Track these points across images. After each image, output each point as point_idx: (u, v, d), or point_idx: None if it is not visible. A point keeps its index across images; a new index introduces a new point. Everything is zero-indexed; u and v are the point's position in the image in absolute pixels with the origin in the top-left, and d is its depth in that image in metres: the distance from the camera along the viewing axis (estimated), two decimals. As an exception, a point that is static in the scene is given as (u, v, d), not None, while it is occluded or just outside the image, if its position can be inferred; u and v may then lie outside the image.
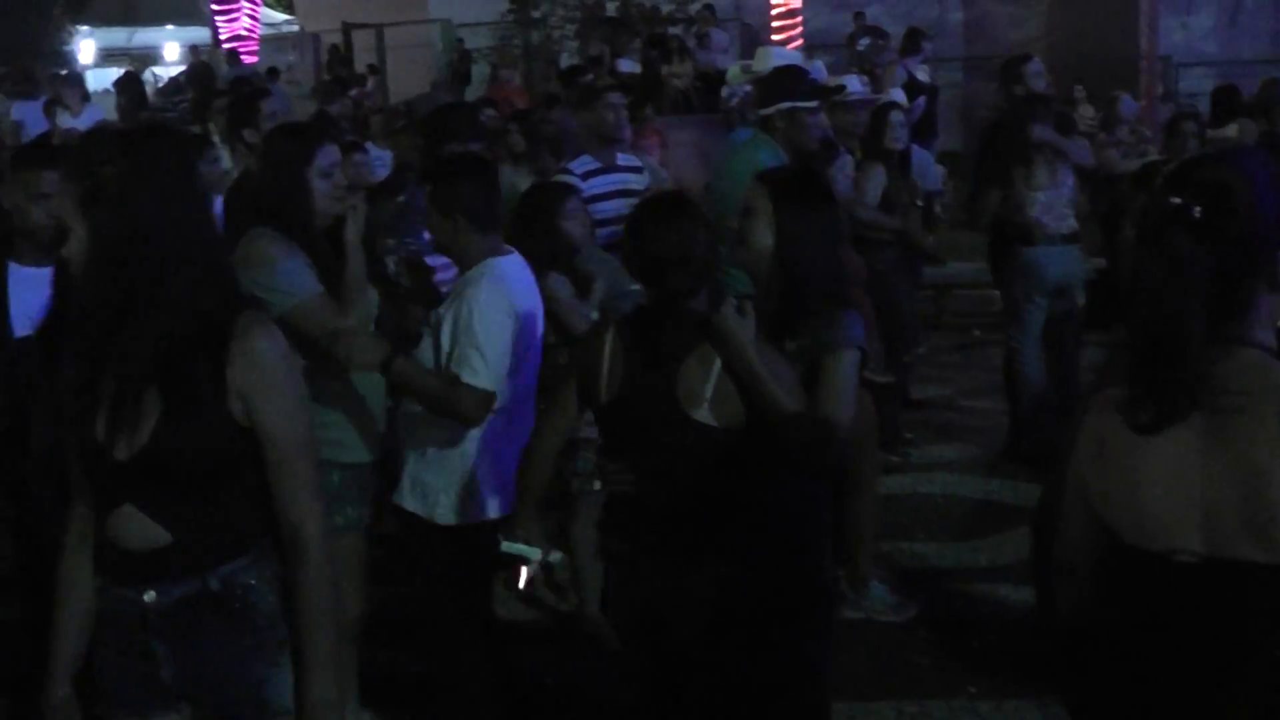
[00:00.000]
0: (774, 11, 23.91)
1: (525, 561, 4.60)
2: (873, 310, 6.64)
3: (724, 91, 20.09)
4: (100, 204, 3.15)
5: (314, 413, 4.51)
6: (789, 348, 4.07)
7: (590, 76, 14.59)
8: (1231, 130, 11.34)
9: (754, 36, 25.02)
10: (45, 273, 4.92)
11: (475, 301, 4.68)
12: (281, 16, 37.07)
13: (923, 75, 14.29)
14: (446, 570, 4.93)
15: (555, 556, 6.41)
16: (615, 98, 7.92)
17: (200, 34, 32.74)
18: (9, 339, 4.94)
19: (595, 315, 5.81)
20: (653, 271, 4.01)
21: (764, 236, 4.18)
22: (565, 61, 23.28)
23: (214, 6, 25.19)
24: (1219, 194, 2.65)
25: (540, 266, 5.57)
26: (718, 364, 3.84)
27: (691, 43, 22.57)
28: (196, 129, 16.74)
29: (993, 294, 12.33)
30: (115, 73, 31.77)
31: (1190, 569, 2.67)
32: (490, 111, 11.06)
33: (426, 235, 5.34)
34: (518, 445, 4.62)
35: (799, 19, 23.81)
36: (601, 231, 6.62)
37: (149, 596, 3.11)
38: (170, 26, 41.77)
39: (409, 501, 4.88)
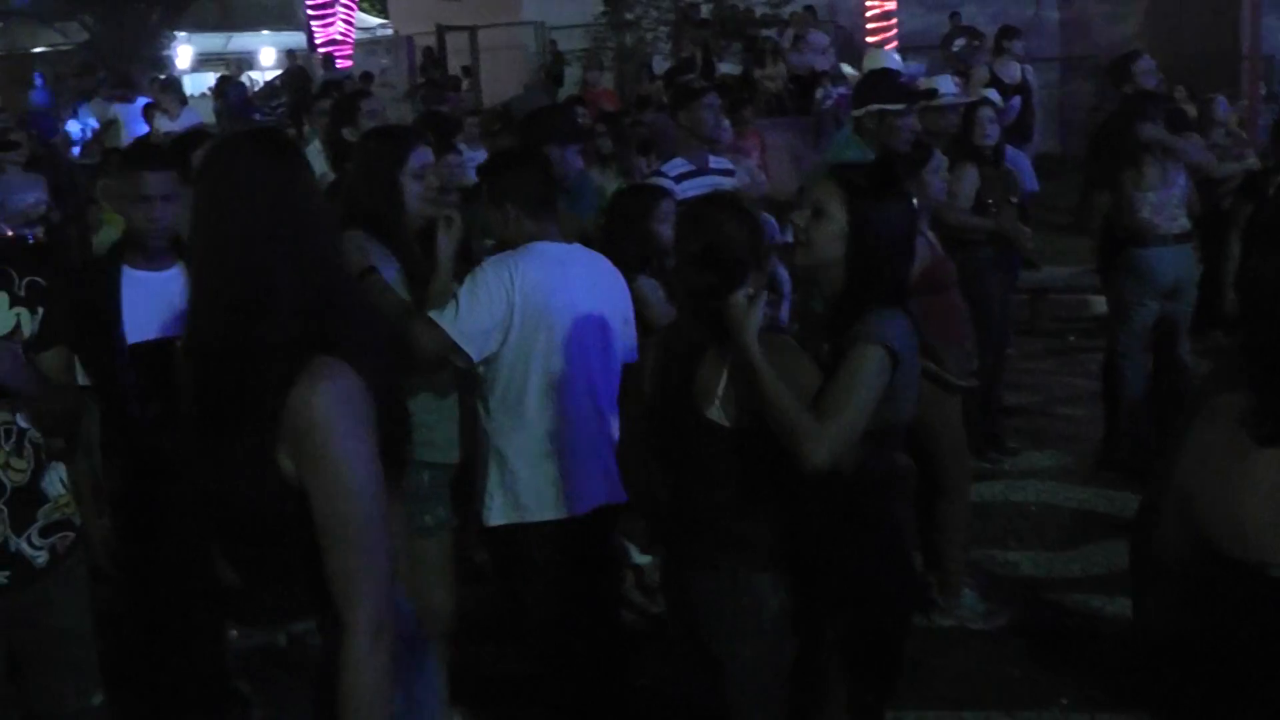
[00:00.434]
0: (869, 13, 23.82)
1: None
2: (967, 312, 6.57)
3: (817, 94, 20.08)
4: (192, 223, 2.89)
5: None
6: (824, 350, 3.95)
7: (692, 77, 14.59)
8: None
9: (848, 39, 24.95)
10: (163, 275, 4.90)
11: (483, 265, 4.70)
12: (376, 20, 37.45)
13: (1015, 75, 14.14)
14: (515, 571, 4.92)
15: (644, 559, 6.41)
16: (712, 99, 7.90)
17: (295, 39, 33.13)
18: (119, 345, 4.85)
19: None
20: (684, 269, 4.00)
21: (832, 244, 3.89)
22: (658, 64, 23.33)
23: (309, 11, 25.46)
24: None
25: (631, 269, 5.55)
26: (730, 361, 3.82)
27: (785, 45, 22.55)
28: (292, 132, 16.98)
29: (1088, 299, 12.24)
30: (211, 77, 32.24)
31: None
32: (580, 111, 11.09)
33: None
34: (576, 444, 4.61)
35: (894, 20, 23.72)
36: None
37: (233, 635, 3.00)
38: (265, 31, 42.29)
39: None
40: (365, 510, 2.74)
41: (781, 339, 3.99)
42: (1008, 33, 14.71)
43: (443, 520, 4.96)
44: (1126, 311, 8.34)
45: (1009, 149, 9.26)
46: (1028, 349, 11.33)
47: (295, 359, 2.73)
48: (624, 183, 8.71)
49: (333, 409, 2.71)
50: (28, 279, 4.10)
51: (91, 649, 4.36)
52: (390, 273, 4.71)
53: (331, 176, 7.31)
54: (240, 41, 42.53)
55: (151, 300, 4.82)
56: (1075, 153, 21.41)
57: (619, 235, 5.94)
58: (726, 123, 9.77)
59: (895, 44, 22.22)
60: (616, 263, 5.13)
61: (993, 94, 10.46)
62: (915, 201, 6.03)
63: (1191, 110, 12.89)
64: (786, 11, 24.22)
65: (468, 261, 5.17)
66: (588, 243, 6.48)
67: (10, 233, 10.65)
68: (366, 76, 20.85)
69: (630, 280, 5.30)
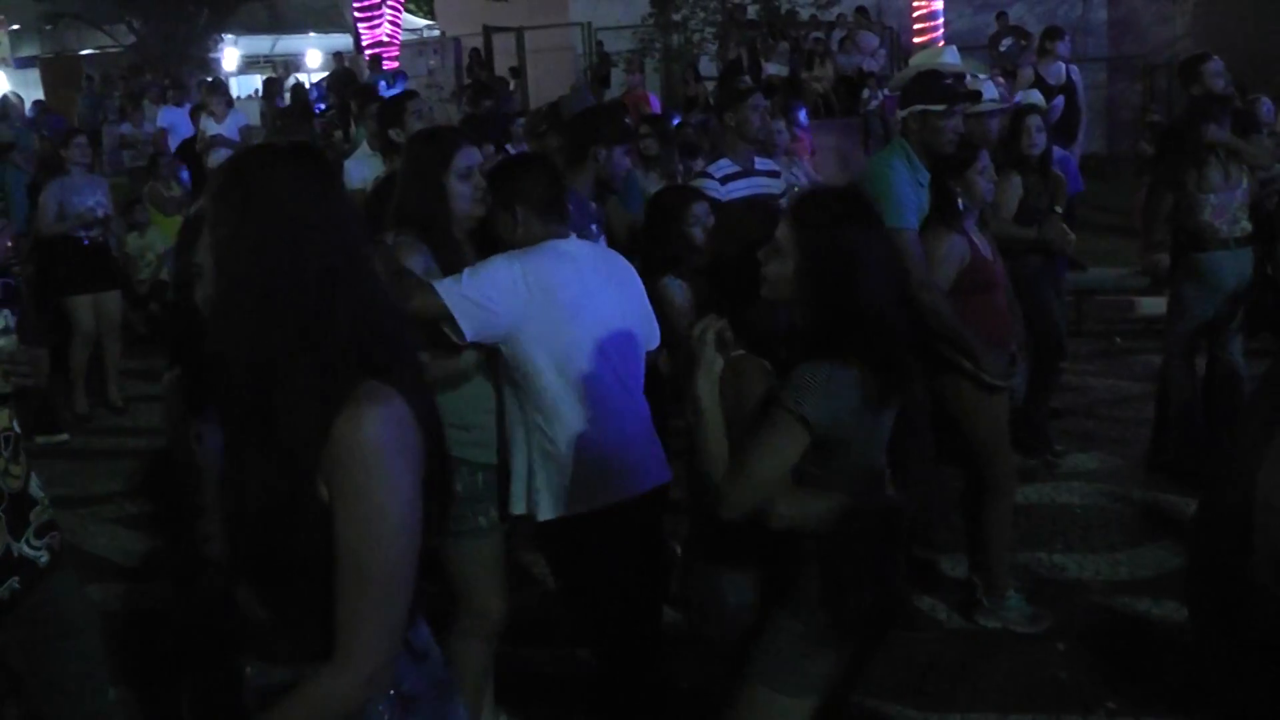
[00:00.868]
0: (915, 14, 23.77)
1: None
2: (1018, 314, 6.56)
3: (864, 94, 20.08)
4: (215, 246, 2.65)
5: (460, 416, 4.59)
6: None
7: (746, 78, 14.58)
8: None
9: (895, 39, 24.92)
10: None
11: (493, 257, 4.70)
12: (422, 22, 37.60)
13: (1060, 75, 14.08)
14: (571, 565, 4.94)
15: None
16: (758, 99, 7.91)
17: (342, 41, 33.32)
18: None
19: None
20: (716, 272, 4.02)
21: (783, 283, 3.73)
22: (705, 65, 23.33)
23: (356, 13, 25.61)
24: None
25: (658, 270, 5.57)
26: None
27: (834, 46, 22.56)
28: (340, 134, 17.08)
29: (1134, 301, 12.20)
30: (257, 80, 32.42)
31: None
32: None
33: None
34: (616, 431, 4.62)
35: (939, 20, 23.66)
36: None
37: (250, 670, 2.80)
38: (312, 34, 42.53)
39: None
40: (397, 556, 2.56)
41: (747, 362, 3.92)
42: (1051, 33, 14.68)
43: (495, 521, 4.97)
44: (1184, 313, 8.28)
45: (1055, 150, 9.21)
46: (1074, 350, 11.23)
47: (346, 381, 2.55)
48: (665, 185, 8.72)
49: (382, 438, 2.52)
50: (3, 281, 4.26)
51: (100, 644, 4.41)
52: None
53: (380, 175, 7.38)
54: (287, 44, 42.79)
55: None
56: (1122, 153, 21.31)
57: (653, 235, 5.96)
58: (782, 124, 9.78)
59: (942, 44, 22.17)
60: (649, 262, 5.14)
61: (1034, 94, 10.40)
62: (961, 203, 6.07)
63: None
64: (833, 12, 24.21)
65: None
66: (635, 240, 6.52)
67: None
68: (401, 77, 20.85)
69: (656, 280, 5.31)
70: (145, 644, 6.07)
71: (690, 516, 4.40)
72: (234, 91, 25.90)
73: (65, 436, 10.45)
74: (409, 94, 8.50)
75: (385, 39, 25.24)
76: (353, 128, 14.26)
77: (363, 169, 8.51)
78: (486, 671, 5.16)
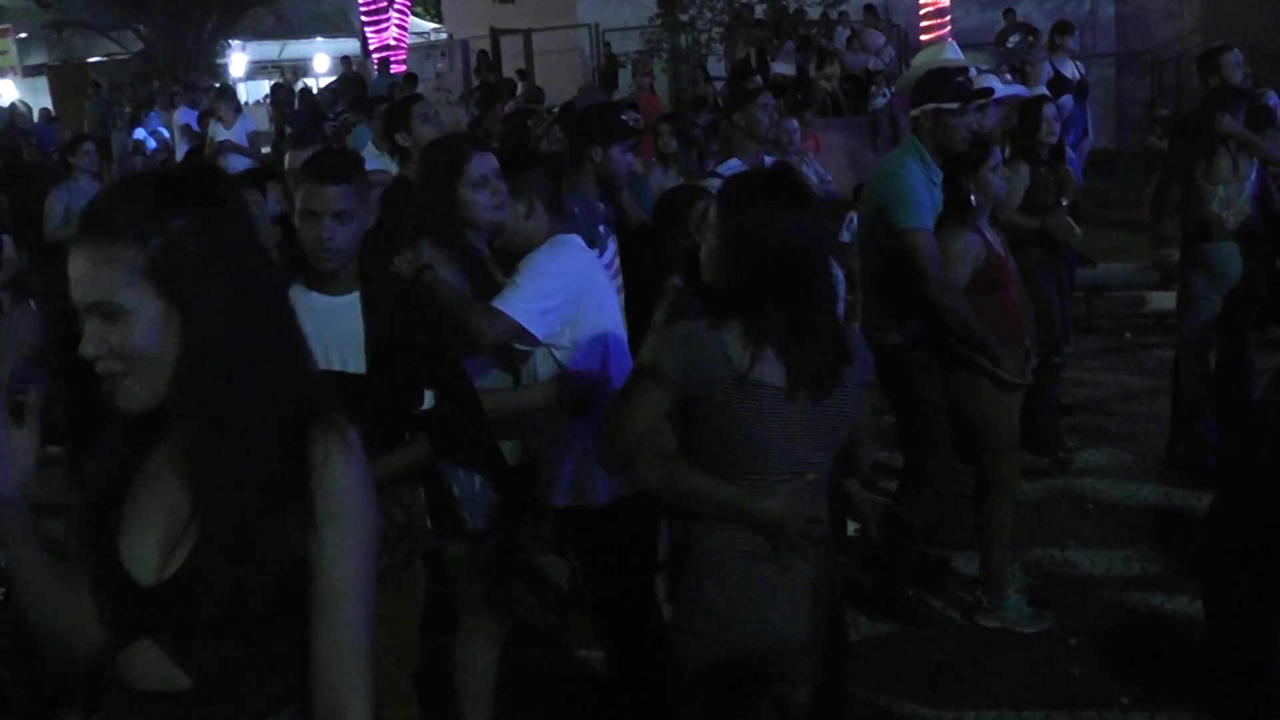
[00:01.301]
0: (922, 11, 23.77)
1: None
2: (1030, 310, 6.57)
3: (872, 90, 20.08)
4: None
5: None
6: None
7: (757, 78, 14.59)
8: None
9: (902, 37, 24.92)
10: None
11: (532, 254, 4.75)
12: (430, 25, 37.66)
13: (1070, 71, 14.05)
14: (585, 556, 4.98)
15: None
16: (767, 99, 7.91)
17: (349, 45, 33.33)
18: None
19: None
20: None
21: (711, 258, 3.72)
22: (713, 65, 23.34)
23: (363, 17, 25.64)
24: None
25: (665, 268, 5.59)
26: None
27: (840, 44, 22.55)
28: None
29: (1144, 296, 12.18)
30: (265, 85, 32.44)
31: None
32: (634, 114, 11.11)
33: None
34: None
35: (947, 18, 23.66)
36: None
37: None
38: (319, 39, 42.54)
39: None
40: (371, 574, 2.39)
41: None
42: (1061, 29, 14.63)
43: (494, 522, 4.96)
44: (1192, 306, 8.25)
45: (1062, 145, 9.20)
46: (1084, 346, 11.26)
47: (306, 411, 2.37)
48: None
49: (354, 470, 2.36)
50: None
51: None
52: (454, 282, 4.72)
53: (394, 173, 7.40)
54: (294, 49, 42.78)
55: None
56: (1130, 148, 21.30)
57: (661, 234, 5.98)
58: (794, 124, 9.78)
59: (949, 41, 22.17)
60: (657, 260, 5.17)
61: (1041, 90, 10.39)
62: (974, 200, 6.07)
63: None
64: (837, 11, 24.21)
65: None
66: (643, 238, 6.55)
67: None
68: (411, 79, 20.88)
69: (664, 278, 5.33)
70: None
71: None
72: (242, 97, 25.92)
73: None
74: (414, 97, 8.49)
75: (393, 42, 25.29)
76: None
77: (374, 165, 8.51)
78: (493, 674, 5.14)
